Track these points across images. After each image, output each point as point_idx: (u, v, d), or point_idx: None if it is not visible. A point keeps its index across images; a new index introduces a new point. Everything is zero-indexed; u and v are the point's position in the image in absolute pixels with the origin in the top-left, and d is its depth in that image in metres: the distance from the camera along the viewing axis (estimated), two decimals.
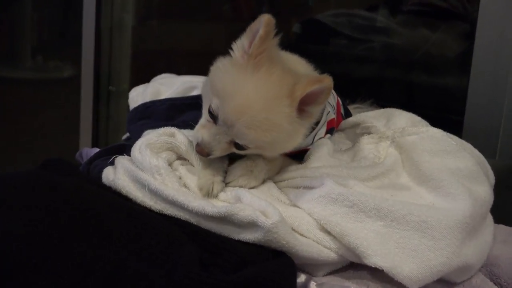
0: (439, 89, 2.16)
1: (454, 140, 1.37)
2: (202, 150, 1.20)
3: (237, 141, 1.17)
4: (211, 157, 1.22)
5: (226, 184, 1.25)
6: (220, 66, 1.20)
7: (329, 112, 1.41)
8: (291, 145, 1.22)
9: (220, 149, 1.20)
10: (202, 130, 1.20)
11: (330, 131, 1.44)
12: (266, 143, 1.16)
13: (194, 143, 1.22)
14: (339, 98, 1.60)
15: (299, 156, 1.38)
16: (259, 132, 1.13)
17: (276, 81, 1.14)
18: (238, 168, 1.26)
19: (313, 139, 1.37)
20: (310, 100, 1.15)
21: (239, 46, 1.19)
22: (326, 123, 1.40)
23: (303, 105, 1.16)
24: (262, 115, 1.12)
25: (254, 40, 1.15)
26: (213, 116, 1.18)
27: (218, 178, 1.23)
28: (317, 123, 1.33)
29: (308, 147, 1.38)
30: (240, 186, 1.24)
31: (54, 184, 1.10)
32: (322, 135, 1.40)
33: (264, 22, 1.13)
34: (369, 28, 2.24)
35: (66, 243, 1.00)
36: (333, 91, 1.53)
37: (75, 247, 0.99)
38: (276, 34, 1.16)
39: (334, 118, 1.44)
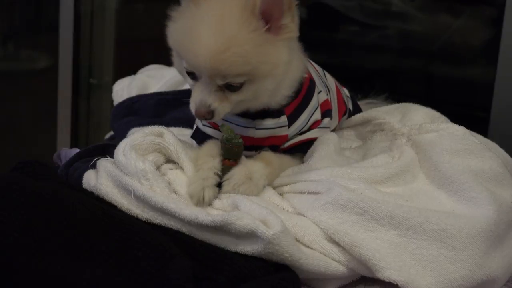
0: (462, 82, 2.17)
1: (477, 138, 1.39)
2: (201, 112, 1.23)
3: (222, 80, 1.21)
4: (216, 117, 1.24)
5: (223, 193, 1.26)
6: (170, 28, 1.28)
7: (321, 91, 1.44)
8: (279, 60, 1.24)
9: (217, 100, 1.23)
10: (193, 95, 1.25)
11: (327, 113, 1.45)
12: (250, 64, 1.20)
13: (194, 113, 1.25)
14: (339, 86, 1.61)
15: (301, 150, 1.40)
16: (231, 54, 1.17)
17: (226, 2, 1.21)
18: (235, 177, 1.27)
19: (308, 121, 1.38)
20: (274, 10, 1.21)
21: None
22: (319, 105, 1.42)
23: (274, 21, 1.21)
24: (224, 36, 1.18)
25: None
26: (193, 75, 1.24)
27: (210, 182, 1.25)
28: (307, 99, 1.36)
29: (311, 137, 1.39)
30: None
31: (28, 190, 1.12)
32: (318, 116, 1.41)
33: None
34: (383, 13, 2.25)
35: (40, 256, 1.02)
36: (326, 73, 1.56)
37: (48, 261, 1.02)
38: None
39: (328, 99, 1.46)
